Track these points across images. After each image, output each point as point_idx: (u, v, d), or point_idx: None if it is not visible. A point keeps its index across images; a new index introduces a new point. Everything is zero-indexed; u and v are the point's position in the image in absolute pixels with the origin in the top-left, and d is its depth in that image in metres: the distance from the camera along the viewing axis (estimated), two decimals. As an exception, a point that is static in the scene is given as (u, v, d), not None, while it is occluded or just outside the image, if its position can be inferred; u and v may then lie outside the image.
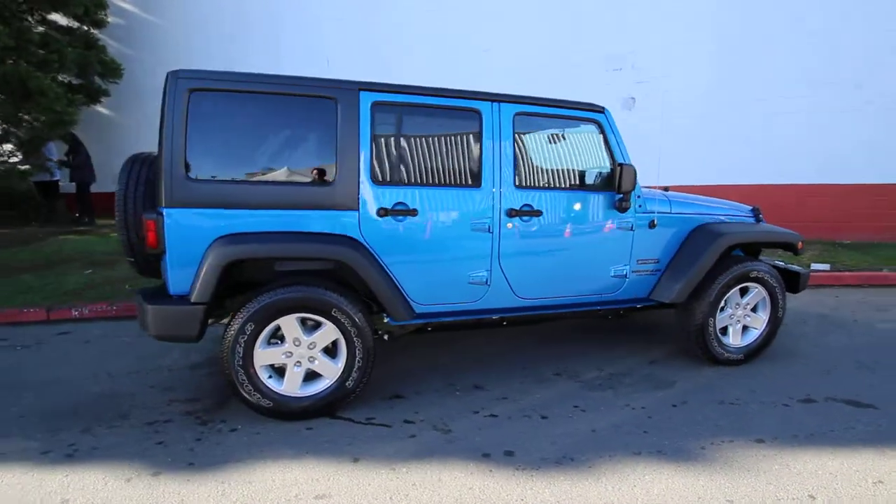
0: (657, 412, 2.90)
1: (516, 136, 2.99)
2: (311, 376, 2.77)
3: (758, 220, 3.81)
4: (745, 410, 2.93)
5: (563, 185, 3.18)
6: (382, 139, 2.80)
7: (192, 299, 2.50)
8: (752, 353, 3.55)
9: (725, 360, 3.47)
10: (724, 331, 3.50)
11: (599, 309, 3.33)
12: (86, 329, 4.34)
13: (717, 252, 3.30)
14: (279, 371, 2.75)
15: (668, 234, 3.42)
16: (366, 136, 2.71)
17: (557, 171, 3.19)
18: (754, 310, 3.57)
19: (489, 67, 8.04)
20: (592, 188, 3.21)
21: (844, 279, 6.03)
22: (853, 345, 4.02)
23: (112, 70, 8.84)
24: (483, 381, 3.28)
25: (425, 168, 2.88)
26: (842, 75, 7.47)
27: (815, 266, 6.19)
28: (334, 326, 2.70)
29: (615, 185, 3.11)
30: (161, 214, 2.50)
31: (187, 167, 2.51)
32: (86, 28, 8.78)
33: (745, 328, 3.58)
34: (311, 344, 2.71)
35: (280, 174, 2.70)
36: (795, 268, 3.71)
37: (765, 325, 3.55)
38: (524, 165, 3.06)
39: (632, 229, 3.28)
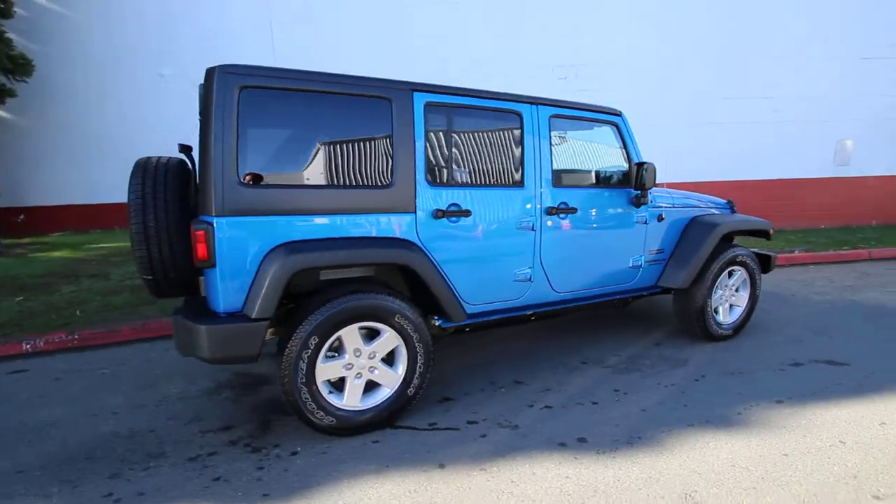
0: (687, 388, 3.18)
1: (552, 137, 3.12)
2: (368, 387, 2.67)
3: (733, 212, 4.30)
4: (754, 378, 3.32)
5: (591, 184, 3.37)
6: (434, 140, 2.77)
7: (254, 315, 2.30)
8: (738, 328, 4.02)
9: (719, 336, 3.89)
10: (716, 310, 3.92)
11: (619, 298, 3.56)
12: (46, 364, 3.72)
13: (714, 241, 3.69)
14: (335, 385, 2.62)
15: (672, 227, 3.75)
16: (420, 137, 2.68)
17: (584, 170, 3.37)
18: (737, 290, 4.03)
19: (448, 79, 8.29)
20: (615, 185, 3.45)
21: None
22: (801, 315, 4.69)
23: (21, 67, 7.61)
24: (520, 376, 3.36)
25: (474, 169, 2.90)
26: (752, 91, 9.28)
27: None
28: (396, 333, 2.63)
29: (634, 181, 3.36)
30: (211, 224, 2.27)
31: (239, 172, 2.31)
32: (-12, 19, 7.50)
33: (731, 307, 4.03)
34: (371, 353, 2.62)
35: (334, 177, 2.56)
36: (766, 252, 4.25)
37: (746, 302, 4.03)
38: (557, 165, 3.19)
39: (646, 223, 3.56)
